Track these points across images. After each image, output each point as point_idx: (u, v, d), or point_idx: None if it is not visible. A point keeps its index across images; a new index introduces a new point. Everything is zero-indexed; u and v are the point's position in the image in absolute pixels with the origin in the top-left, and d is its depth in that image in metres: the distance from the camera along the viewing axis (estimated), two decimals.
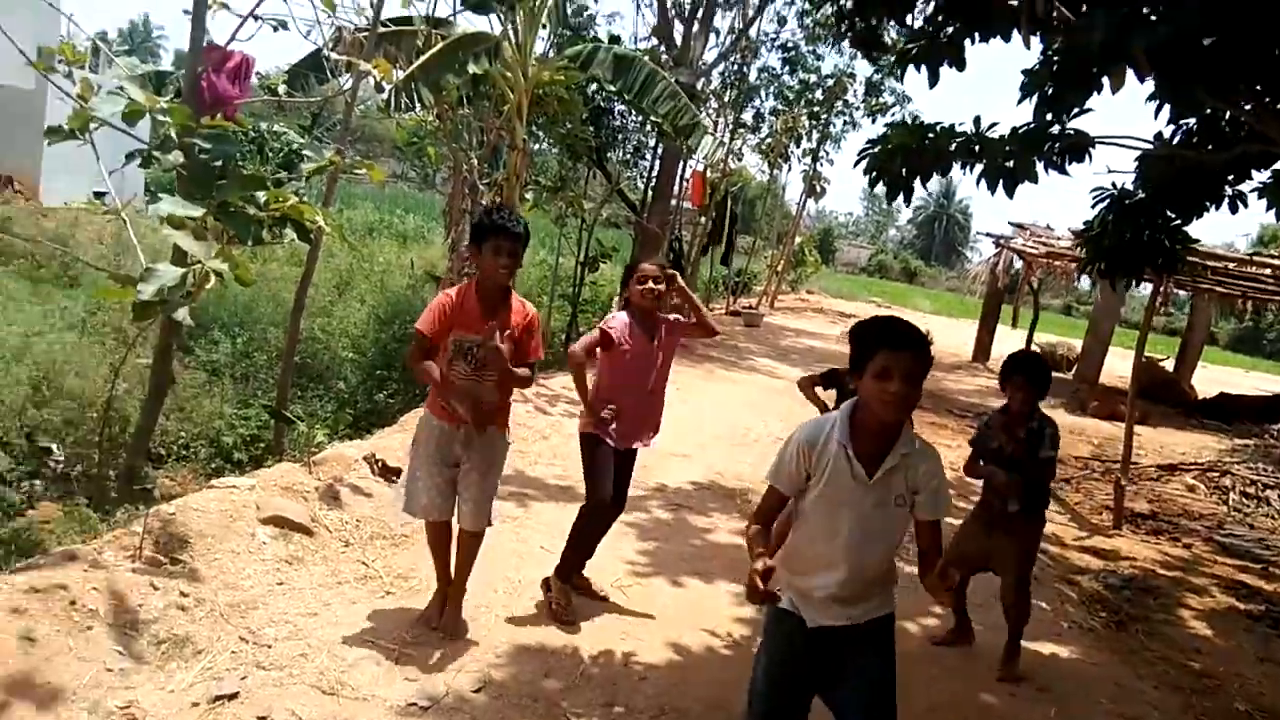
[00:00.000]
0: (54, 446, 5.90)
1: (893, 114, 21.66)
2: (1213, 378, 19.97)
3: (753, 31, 20.17)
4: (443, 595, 3.94)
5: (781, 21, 21.15)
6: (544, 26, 10.09)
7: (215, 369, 7.94)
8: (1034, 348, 13.98)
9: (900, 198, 4.19)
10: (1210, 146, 4.09)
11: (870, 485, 2.46)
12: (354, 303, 10.85)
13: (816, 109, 22.50)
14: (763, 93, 21.91)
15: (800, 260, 29.25)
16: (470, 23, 9.68)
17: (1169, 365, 16.81)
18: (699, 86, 18.32)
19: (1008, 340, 15.98)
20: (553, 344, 13.97)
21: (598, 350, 4.23)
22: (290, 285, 8.44)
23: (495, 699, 3.40)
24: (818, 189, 25.31)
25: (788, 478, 2.54)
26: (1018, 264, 15.70)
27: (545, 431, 7.03)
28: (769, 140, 21.92)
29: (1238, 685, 4.61)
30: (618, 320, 4.21)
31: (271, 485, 4.61)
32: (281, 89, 6.89)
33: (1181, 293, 14.14)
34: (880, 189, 4.35)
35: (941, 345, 20.00)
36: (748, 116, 21.69)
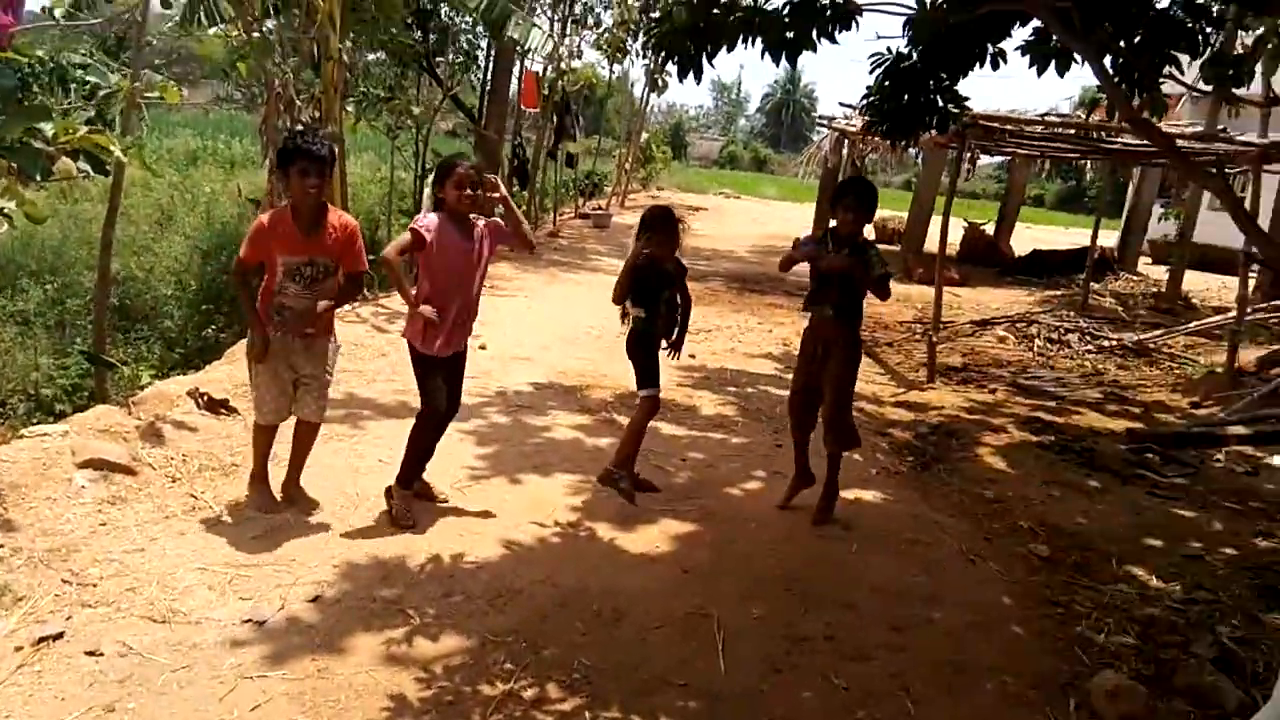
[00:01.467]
0: None
1: None
2: (1035, 237, 21.40)
3: None
4: (264, 481, 4.28)
5: None
6: None
7: (26, 319, 7.56)
8: None
9: (691, 75, 4.31)
10: (971, 6, 4.34)
11: None
12: (176, 237, 10.38)
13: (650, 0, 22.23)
14: None
15: (649, 157, 29.30)
16: None
17: (990, 229, 17.88)
18: None
19: None
20: None
21: (417, 253, 4.15)
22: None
23: (332, 606, 3.52)
24: (660, 83, 25.19)
25: None
26: (847, 145, 16.18)
27: (384, 349, 7.03)
28: (606, 35, 21.60)
29: (1023, 506, 5.17)
30: (429, 219, 4.11)
31: (87, 429, 4.52)
32: (59, 13, 6.43)
33: (988, 158, 14.98)
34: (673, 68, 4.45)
35: (783, 229, 20.64)
36: (579, 9, 21.22)
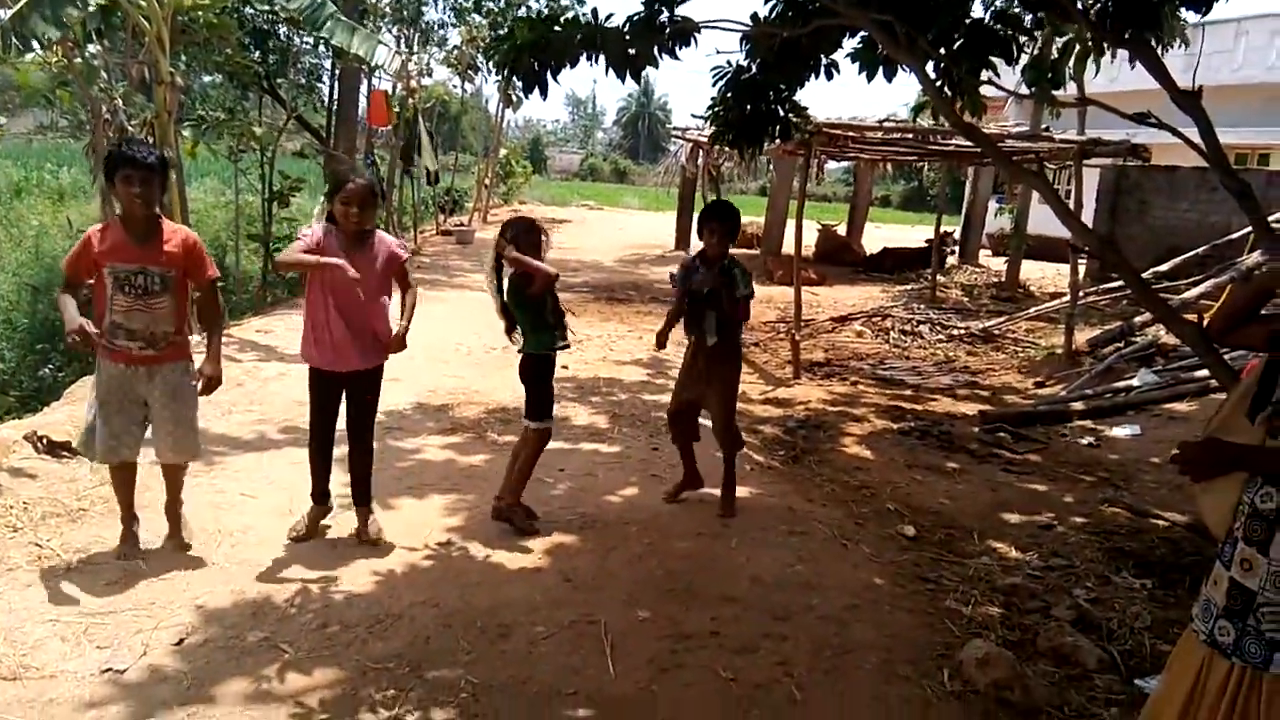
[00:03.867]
0: None
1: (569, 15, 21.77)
2: (885, 236, 22.33)
3: None
4: (130, 530, 4.02)
5: None
6: None
7: None
8: None
9: (537, 91, 4.31)
10: (802, 21, 4.50)
11: None
12: (1, 275, 9.66)
13: (499, 18, 22.17)
14: (434, 5, 21.31)
15: (509, 172, 29.16)
16: None
17: (843, 230, 18.65)
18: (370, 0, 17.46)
19: None
20: (248, 288, 13.17)
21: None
22: None
23: (198, 650, 3.33)
24: (514, 99, 25.09)
25: None
26: (701, 154, 16.53)
27: (239, 379, 6.72)
28: (454, 53, 21.44)
29: (890, 490, 5.39)
30: (314, 229, 4.08)
31: None
32: None
33: (835, 163, 15.65)
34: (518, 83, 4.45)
35: (647, 239, 20.89)
36: (424, 26, 21.04)
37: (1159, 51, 4.19)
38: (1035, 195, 14.92)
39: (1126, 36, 3.89)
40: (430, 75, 20.44)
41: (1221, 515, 2.21)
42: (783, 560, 4.27)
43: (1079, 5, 4.00)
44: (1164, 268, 11.71)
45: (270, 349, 8.05)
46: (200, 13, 9.61)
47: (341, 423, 4.35)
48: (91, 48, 10.01)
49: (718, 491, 4.92)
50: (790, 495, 5.19)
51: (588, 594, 3.86)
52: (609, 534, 4.52)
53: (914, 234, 24.39)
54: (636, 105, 77.77)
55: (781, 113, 4.78)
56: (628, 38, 4.08)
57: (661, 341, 4.86)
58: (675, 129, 18.12)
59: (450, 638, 3.47)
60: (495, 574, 4.07)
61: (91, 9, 8.26)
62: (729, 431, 4.80)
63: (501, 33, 4.31)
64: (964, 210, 18.88)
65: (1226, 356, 4.38)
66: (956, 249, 17.22)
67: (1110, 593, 4.11)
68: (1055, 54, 5.54)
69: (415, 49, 19.45)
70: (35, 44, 7.93)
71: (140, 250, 3.73)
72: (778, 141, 5.00)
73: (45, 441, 4.86)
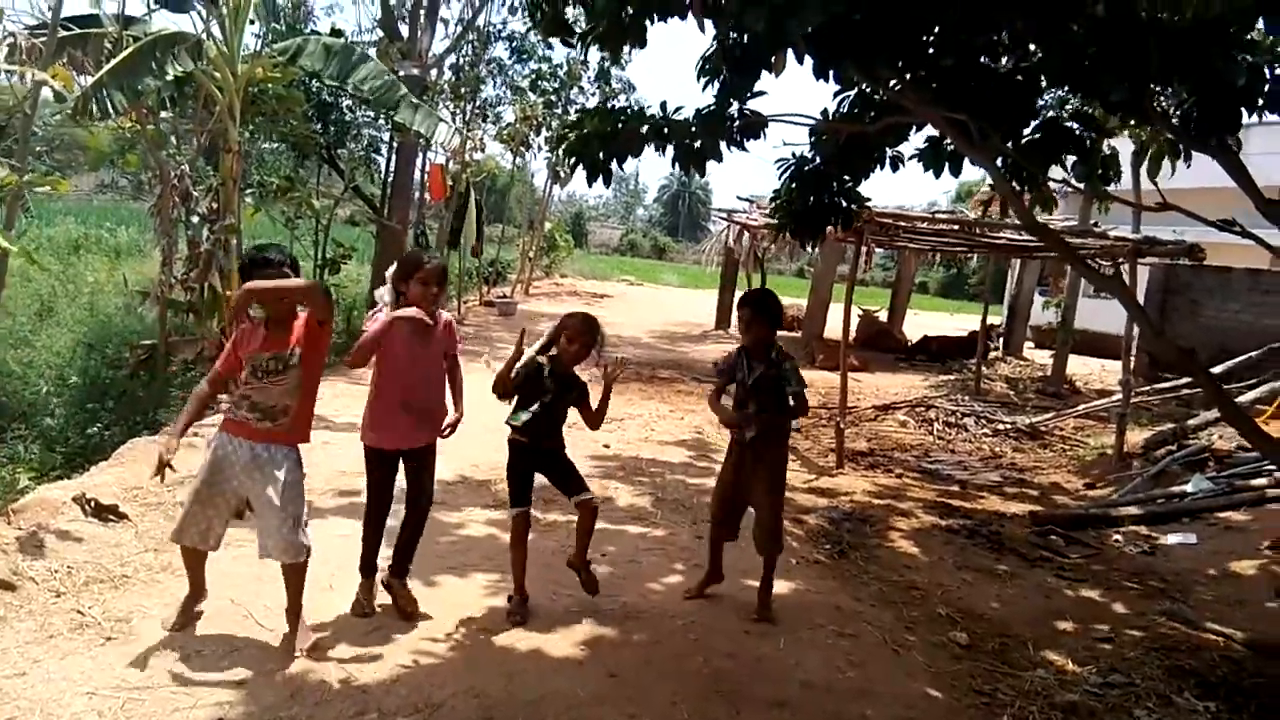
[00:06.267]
0: None
1: (619, 100, 22.28)
2: (924, 323, 22.22)
3: (480, 21, 20.18)
4: (193, 603, 4.03)
5: (513, 10, 21.25)
6: (251, 22, 9.57)
7: None
8: None
9: (600, 179, 4.38)
10: (871, 116, 4.56)
11: None
12: (57, 329, 9.86)
13: (552, 97, 22.81)
14: (492, 83, 22.00)
15: (552, 245, 29.62)
16: (170, 22, 9.09)
17: (884, 316, 18.62)
18: (431, 77, 18.05)
19: None
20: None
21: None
22: None
23: None
24: (562, 175, 25.62)
25: None
26: (747, 236, 16.67)
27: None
28: (509, 129, 22.04)
29: (940, 593, 5.24)
30: (382, 314, 4.17)
31: None
32: None
33: (880, 250, 15.73)
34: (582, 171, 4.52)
35: (687, 316, 20.98)
36: (478, 103, 21.68)
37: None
38: (1081, 288, 14.81)
39: (1210, 141, 3.86)
40: (483, 150, 21.00)
41: None
42: (833, 663, 4.13)
43: (1158, 108, 4.00)
44: (1217, 370, 11.48)
45: (317, 417, 8.08)
46: (270, 85, 9.96)
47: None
48: (163, 114, 10.38)
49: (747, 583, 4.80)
50: (837, 593, 5.06)
51: (631, 691, 3.75)
52: (653, 626, 4.42)
53: (953, 322, 24.28)
54: (678, 184, 79.07)
55: (844, 204, 4.80)
56: (694, 130, 4.13)
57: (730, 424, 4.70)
58: (719, 210, 18.35)
59: None
60: (538, 663, 3.97)
61: (168, 79, 8.60)
62: (774, 527, 4.63)
63: (572, 120, 4.39)
64: (1007, 302, 18.77)
65: None
66: (1001, 341, 17.13)
67: (1172, 715, 3.93)
68: (1106, 150, 5.57)
69: (471, 124, 19.99)
70: (111, 110, 8.21)
71: (276, 339, 3.83)
72: (838, 230, 5.01)
73: (93, 504, 4.88)
